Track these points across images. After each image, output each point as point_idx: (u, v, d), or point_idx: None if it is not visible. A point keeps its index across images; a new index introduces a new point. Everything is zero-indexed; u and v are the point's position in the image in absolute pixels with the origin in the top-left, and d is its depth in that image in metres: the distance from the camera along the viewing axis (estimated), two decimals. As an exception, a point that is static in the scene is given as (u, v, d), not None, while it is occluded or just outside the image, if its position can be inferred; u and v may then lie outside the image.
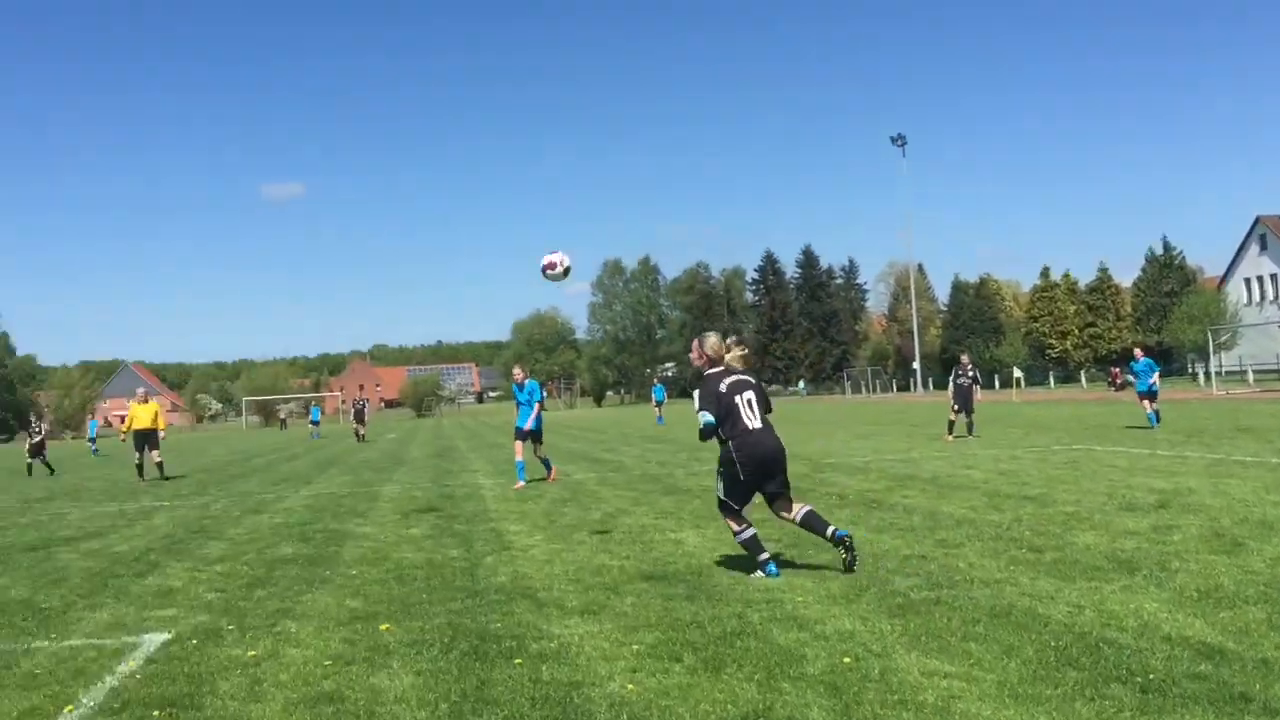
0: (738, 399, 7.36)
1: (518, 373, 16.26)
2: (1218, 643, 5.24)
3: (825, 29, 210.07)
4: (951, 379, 22.96)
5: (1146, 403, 22.79)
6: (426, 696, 5.00)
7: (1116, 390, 56.41)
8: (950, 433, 22.15)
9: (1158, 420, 22.52)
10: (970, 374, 22.54)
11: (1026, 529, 9.15)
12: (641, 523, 10.88)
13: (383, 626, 6.46)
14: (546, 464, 16.18)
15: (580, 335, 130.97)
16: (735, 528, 7.55)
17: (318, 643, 6.14)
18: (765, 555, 7.47)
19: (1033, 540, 8.53)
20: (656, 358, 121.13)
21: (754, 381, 7.57)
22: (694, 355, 7.78)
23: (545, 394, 16.77)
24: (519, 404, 15.92)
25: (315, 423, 57.56)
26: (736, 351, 7.66)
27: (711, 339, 7.74)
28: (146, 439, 21.14)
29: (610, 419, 54.55)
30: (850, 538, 7.43)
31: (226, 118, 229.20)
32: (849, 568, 7.32)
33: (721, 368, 7.57)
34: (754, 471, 7.35)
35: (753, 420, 7.36)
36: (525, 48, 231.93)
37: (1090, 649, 5.23)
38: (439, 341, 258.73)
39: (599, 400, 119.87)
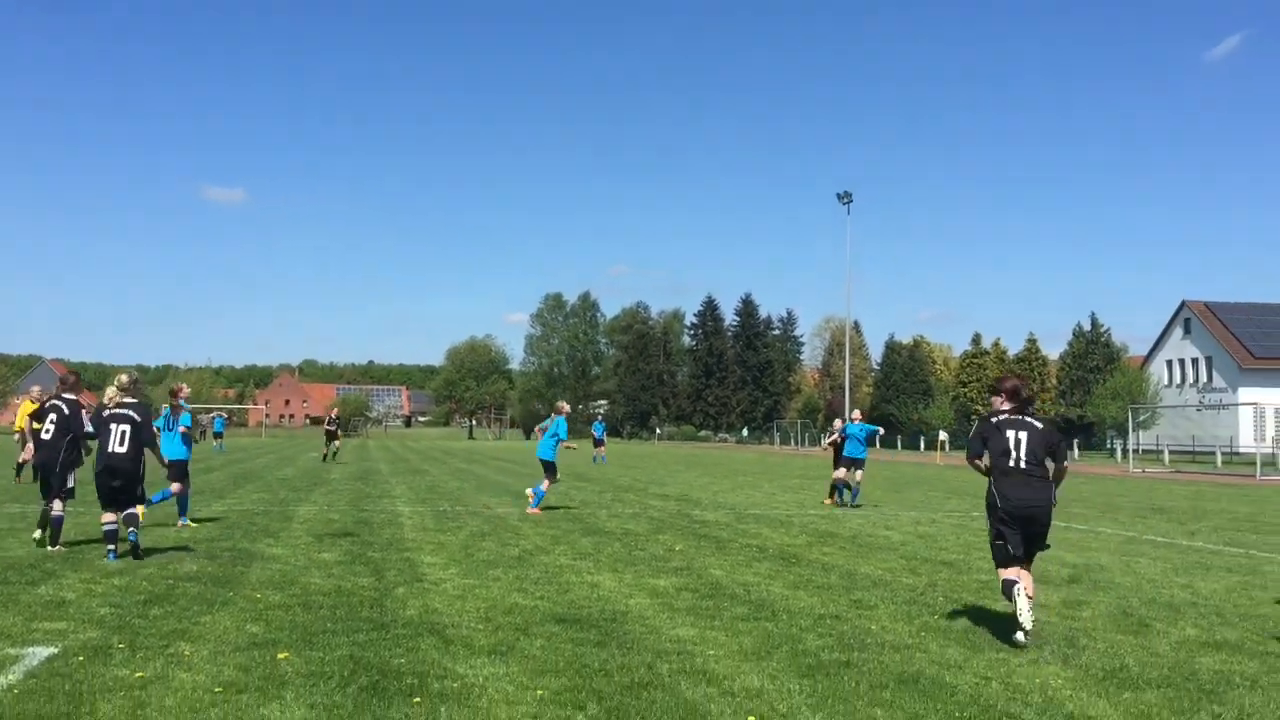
0: (113, 426, 10.19)
1: (564, 406, 18.27)
2: (1119, 725, 5.26)
3: (781, 84, 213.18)
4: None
5: (855, 471, 19.42)
6: (318, 732, 4.83)
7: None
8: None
9: (855, 494, 19.57)
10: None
11: (940, 595, 9.19)
12: (559, 562, 10.75)
13: (281, 655, 6.26)
14: (539, 494, 17.18)
15: (514, 366, 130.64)
16: (104, 517, 10.24)
17: (210, 668, 5.92)
18: (112, 547, 10.04)
19: (945, 606, 8.56)
20: (590, 394, 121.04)
21: (135, 417, 10.27)
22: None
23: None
24: (551, 435, 17.58)
25: (219, 434, 55.72)
26: (111, 389, 10.53)
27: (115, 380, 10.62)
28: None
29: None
30: (137, 544, 10.14)
31: (174, 114, 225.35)
32: (135, 555, 10.09)
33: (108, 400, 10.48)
34: (105, 480, 10.11)
35: (117, 446, 10.14)
36: (486, 76, 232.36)
37: (994, 723, 5.22)
38: (371, 361, 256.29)
39: (528, 433, 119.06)
